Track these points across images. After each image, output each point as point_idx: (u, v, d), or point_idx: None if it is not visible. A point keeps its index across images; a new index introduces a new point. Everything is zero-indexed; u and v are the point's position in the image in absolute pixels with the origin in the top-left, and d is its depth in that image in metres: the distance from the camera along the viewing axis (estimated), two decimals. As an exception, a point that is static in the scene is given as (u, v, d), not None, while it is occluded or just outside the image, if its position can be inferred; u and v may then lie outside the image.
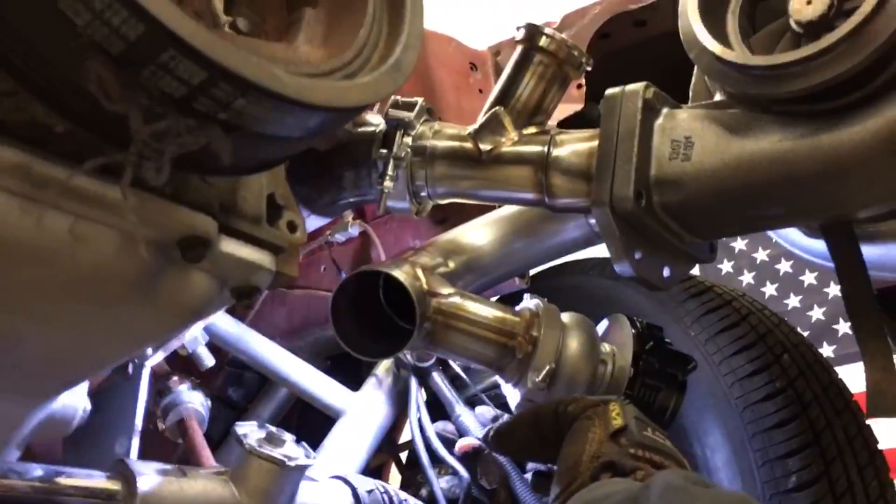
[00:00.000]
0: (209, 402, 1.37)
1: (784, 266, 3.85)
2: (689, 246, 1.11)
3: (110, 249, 0.69)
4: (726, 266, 3.97)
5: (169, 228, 0.71)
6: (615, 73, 1.23)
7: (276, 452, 0.95)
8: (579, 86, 1.77)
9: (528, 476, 1.16)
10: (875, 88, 0.93)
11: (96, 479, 0.84)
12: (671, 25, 1.69)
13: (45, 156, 0.63)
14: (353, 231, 1.68)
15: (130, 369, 0.87)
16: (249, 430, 0.96)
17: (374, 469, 1.73)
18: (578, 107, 1.75)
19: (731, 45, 1.02)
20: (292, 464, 0.94)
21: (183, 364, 1.57)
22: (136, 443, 1.22)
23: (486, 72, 1.88)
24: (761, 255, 3.91)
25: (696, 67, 1.16)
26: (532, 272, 1.87)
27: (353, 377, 1.72)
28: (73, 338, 0.77)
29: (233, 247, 0.77)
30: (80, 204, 0.66)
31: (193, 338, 1.41)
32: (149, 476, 0.85)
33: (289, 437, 0.98)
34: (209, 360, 1.48)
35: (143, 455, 1.59)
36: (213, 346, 1.57)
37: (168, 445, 1.46)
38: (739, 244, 3.95)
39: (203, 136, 0.52)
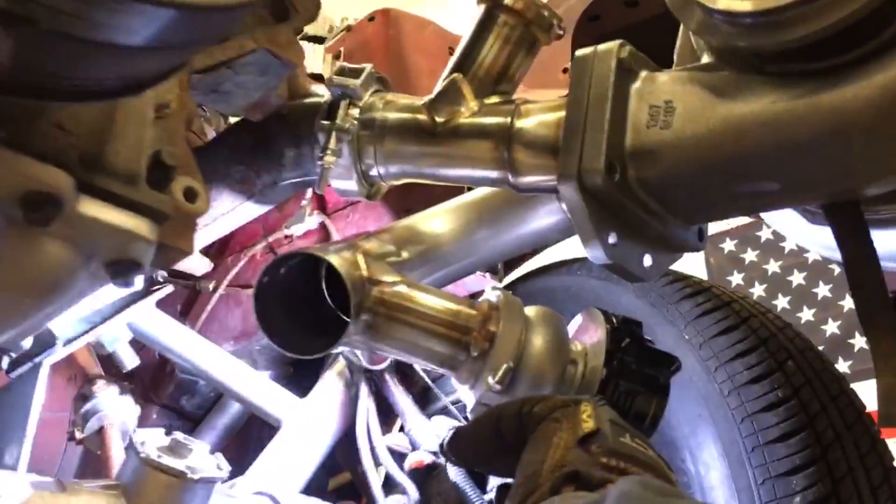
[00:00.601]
0: (138, 410, 1.24)
1: (797, 278, 3.69)
2: (673, 231, 0.97)
3: (-74, 205, 0.55)
4: (736, 278, 3.82)
5: (6, 181, 0.58)
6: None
7: (179, 463, 0.81)
8: (565, 70, 1.64)
9: (489, 497, 1.02)
10: (882, 43, 0.80)
11: (-50, 494, 0.70)
12: (664, 6, 1.55)
13: None
14: (312, 223, 1.55)
15: (5, 364, 0.73)
16: (150, 438, 0.82)
17: (336, 490, 1.58)
18: (564, 92, 1.62)
19: (718, -4, 0.89)
20: (195, 476, 0.80)
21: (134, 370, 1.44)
22: (27, 451, 1.08)
23: (467, 57, 1.75)
24: (773, 266, 3.75)
25: (681, 30, 1.03)
26: (515, 274, 1.74)
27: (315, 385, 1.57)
28: None
29: (97, 209, 0.64)
30: None
31: (113, 335, 1.28)
32: (17, 491, 0.72)
33: (198, 446, 0.84)
34: (132, 361, 1.34)
35: (86, 472, 1.46)
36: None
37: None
38: (750, 255, 3.79)
39: (-30, 29, 0.39)
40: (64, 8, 0.41)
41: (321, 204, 1.62)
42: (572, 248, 1.43)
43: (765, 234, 3.77)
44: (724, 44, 0.88)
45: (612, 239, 0.92)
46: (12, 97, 0.51)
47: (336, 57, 1.57)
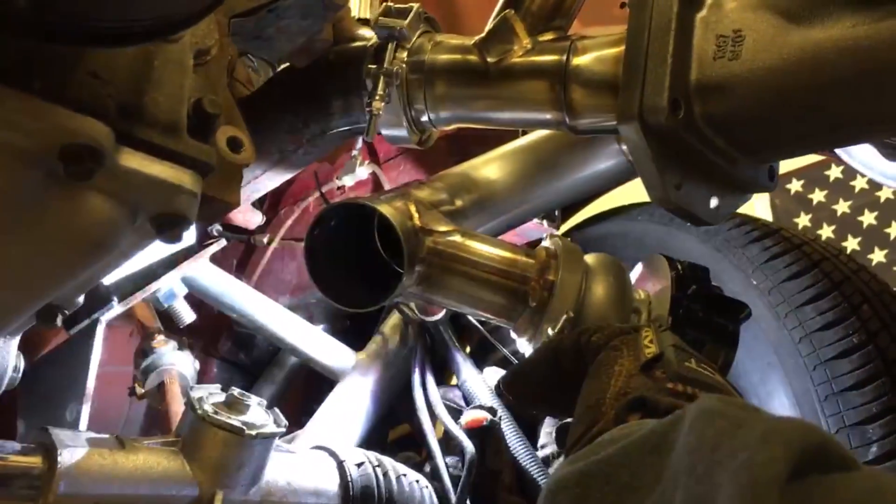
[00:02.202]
0: (197, 364, 1.24)
1: (868, 218, 3.54)
2: (741, 170, 0.91)
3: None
4: (803, 220, 3.68)
5: (43, 134, 0.56)
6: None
7: (236, 419, 0.80)
8: (622, 5, 1.55)
9: (543, 454, 0.99)
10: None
11: (9, 453, 0.71)
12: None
13: None
14: (362, 173, 1.51)
15: (59, 321, 0.73)
16: (206, 394, 0.81)
17: (396, 441, 1.57)
18: (622, 28, 1.54)
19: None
20: (253, 432, 0.79)
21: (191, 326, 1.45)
22: (87, 409, 1.09)
23: (518, -4, 1.68)
24: (842, 206, 3.60)
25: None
26: (572, 222, 1.69)
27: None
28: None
29: (139, 161, 0.61)
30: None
31: (168, 290, 1.28)
32: (75, 448, 0.72)
33: (255, 402, 0.83)
34: (189, 316, 1.34)
35: (147, 430, 1.48)
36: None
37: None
38: (818, 195, 3.65)
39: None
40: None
41: (372, 153, 1.59)
42: (632, 192, 1.38)
43: (833, 174, 3.62)
44: (798, -37, 0.81)
45: (676, 181, 0.87)
46: (43, 42, 0.48)
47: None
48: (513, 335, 0.95)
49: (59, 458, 0.71)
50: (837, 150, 1.18)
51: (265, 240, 1.65)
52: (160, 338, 1.29)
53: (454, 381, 1.39)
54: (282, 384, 1.68)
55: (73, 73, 0.58)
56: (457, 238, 0.92)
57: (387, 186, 1.54)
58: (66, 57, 0.58)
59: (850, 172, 3.63)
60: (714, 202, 0.92)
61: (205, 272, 1.34)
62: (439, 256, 0.91)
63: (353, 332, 1.62)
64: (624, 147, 1.07)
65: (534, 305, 0.90)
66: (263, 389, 1.65)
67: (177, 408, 1.15)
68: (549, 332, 0.88)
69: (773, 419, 0.40)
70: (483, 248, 0.92)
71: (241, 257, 1.73)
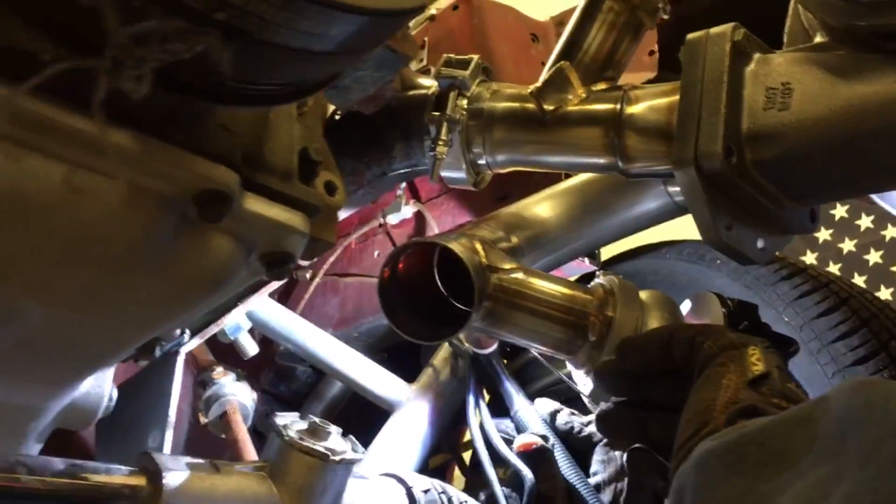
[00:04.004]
0: (255, 396, 1.28)
1: (873, 256, 3.61)
2: (787, 213, 0.97)
3: (114, 204, 0.59)
4: (810, 258, 3.74)
5: (182, 180, 0.61)
6: (687, 37, 1.09)
7: (319, 445, 0.84)
8: (651, 52, 1.63)
9: (595, 481, 1.04)
10: None
11: (117, 475, 0.75)
12: (749, -18, 1.51)
13: (32, 91, 0.53)
14: (407, 211, 1.57)
15: (158, 353, 0.77)
16: (290, 421, 0.86)
17: (435, 469, 1.61)
18: (650, 75, 1.61)
19: (834, -27, 0.88)
20: (337, 458, 0.83)
21: (232, 355, 1.49)
22: (169, 435, 1.14)
23: (549, 43, 1.75)
24: (848, 244, 3.67)
25: (791, 8, 1.02)
26: (603, 257, 1.74)
27: (411, 371, 1.60)
28: (81, 312, 0.67)
29: (259, 205, 0.67)
30: (76, 149, 0.56)
31: (235, 324, 1.33)
32: (176, 471, 0.76)
33: (334, 430, 0.88)
34: (252, 349, 1.39)
35: (192, 452, 1.51)
36: (263, 338, 1.48)
37: (221, 443, 1.37)
38: (823, 234, 3.71)
39: (196, 42, 0.42)
40: (275, 19, 0.44)
41: (415, 192, 1.65)
42: (657, 230, 1.43)
43: (839, 213, 3.69)
44: (841, 23, 0.87)
45: (727, 222, 0.92)
46: (201, 101, 0.54)
47: (421, 46, 1.59)
48: (570, 367, 1.00)
49: (163, 481, 0.75)
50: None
51: (308, 275, 1.70)
52: (219, 369, 1.33)
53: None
54: (321, 414, 1.72)
55: (207, 125, 0.63)
56: (520, 275, 0.97)
57: (432, 224, 1.60)
58: (201, 111, 0.63)
59: (855, 211, 3.70)
60: (761, 243, 0.98)
61: (265, 306, 1.39)
62: (504, 293, 0.96)
63: (391, 365, 1.66)
64: (671, 189, 1.13)
65: (593, 340, 0.95)
66: (305, 420, 1.69)
67: (241, 436, 1.19)
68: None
69: None
70: (544, 285, 0.97)
71: (283, 291, 1.78)
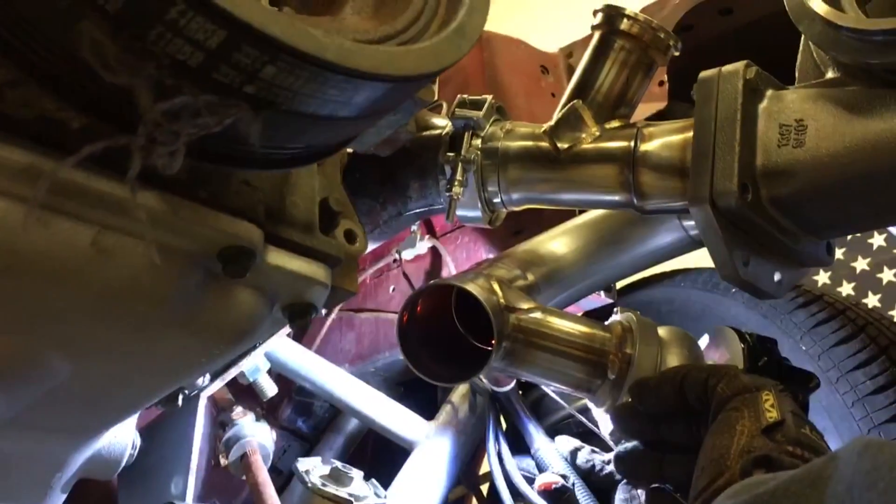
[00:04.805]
0: (275, 435, 1.28)
1: (887, 275, 3.58)
2: (803, 247, 0.97)
3: (141, 264, 0.60)
4: (823, 277, 3.72)
5: (207, 238, 0.62)
6: (700, 69, 1.10)
7: (342, 491, 0.85)
8: (661, 83, 1.64)
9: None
10: None
11: (143, 526, 0.75)
12: (760, 12, 1.53)
13: (60, 157, 0.54)
14: (423, 247, 1.58)
15: (180, 401, 0.78)
16: (312, 467, 0.86)
17: (453, 503, 1.61)
18: (661, 105, 1.62)
19: (843, 10, 0.89)
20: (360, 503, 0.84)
21: (249, 393, 1.50)
22: (192, 481, 1.14)
23: (559, 75, 1.77)
24: (861, 264, 3.65)
25: (801, 44, 1.03)
26: (617, 286, 1.74)
27: (428, 406, 1.61)
28: (108, 366, 0.68)
29: (282, 259, 0.68)
30: (104, 212, 0.57)
31: (254, 366, 1.33)
32: (202, 521, 0.76)
33: (356, 474, 0.88)
34: (272, 390, 1.39)
35: (208, 493, 1.52)
36: (279, 375, 1.49)
37: (235, 482, 1.38)
38: (836, 253, 3.69)
39: (226, 115, 0.43)
40: (303, 90, 0.44)
41: (430, 227, 1.66)
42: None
43: (851, 232, 3.68)
44: (853, 60, 0.88)
45: (744, 258, 0.93)
46: (227, 167, 0.55)
47: (432, 85, 1.60)
48: (590, 405, 1.00)
49: (188, 533, 0.75)
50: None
51: (323, 311, 1.71)
52: (238, 409, 1.34)
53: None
54: (339, 450, 1.72)
55: (230, 182, 0.64)
56: (538, 315, 0.98)
57: (447, 259, 1.60)
58: (223, 169, 0.64)
59: (870, 232, 3.69)
60: (777, 276, 0.98)
61: (281, 345, 1.40)
62: (523, 332, 0.96)
63: (406, 402, 1.65)
64: (685, 224, 1.13)
65: (613, 378, 0.95)
66: (323, 456, 1.69)
67: (262, 478, 1.19)
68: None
69: None
70: (563, 324, 0.98)
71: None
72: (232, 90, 0.43)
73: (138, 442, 0.93)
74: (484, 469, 1.65)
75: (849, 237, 3.71)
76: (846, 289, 3.67)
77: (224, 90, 0.43)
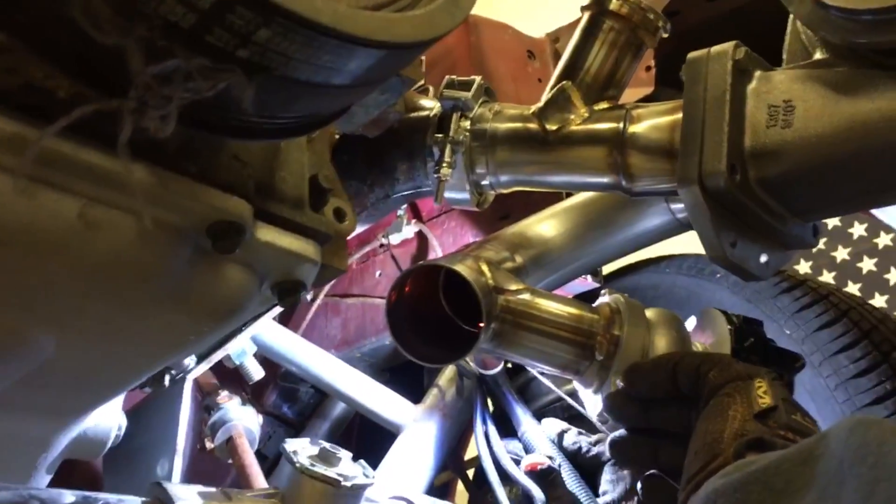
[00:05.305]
0: (261, 419, 1.28)
1: (867, 264, 3.62)
2: (790, 228, 0.97)
3: (129, 238, 0.59)
4: (804, 266, 3.75)
5: (196, 212, 0.61)
6: (687, 55, 1.10)
7: (331, 471, 0.84)
8: (648, 68, 1.64)
9: (604, 500, 1.04)
10: None
11: (129, 506, 0.74)
12: (745, -2, 1.51)
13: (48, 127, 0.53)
14: (409, 231, 1.57)
15: (167, 382, 0.77)
16: (300, 447, 0.86)
17: (439, 488, 1.61)
18: (647, 90, 1.62)
19: (833, -10, 0.89)
20: (349, 483, 0.83)
21: (235, 378, 1.49)
22: (178, 463, 1.13)
23: (545, 60, 1.76)
24: (842, 253, 3.69)
25: (789, 25, 1.03)
26: (603, 272, 1.75)
27: (414, 390, 1.60)
28: (94, 343, 0.67)
29: (271, 234, 0.67)
30: (91, 184, 0.57)
31: (240, 349, 1.32)
32: (188, 501, 0.75)
33: (345, 455, 0.88)
34: (258, 373, 1.38)
35: (194, 477, 1.51)
36: (264, 360, 1.48)
37: (221, 466, 1.37)
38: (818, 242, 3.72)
39: (219, 79, 0.42)
40: (297, 55, 0.44)
41: (416, 212, 1.65)
42: (657, 245, 1.44)
43: (832, 222, 3.70)
44: (841, 40, 0.88)
45: (731, 239, 0.93)
46: (218, 136, 0.54)
47: (420, 66, 1.59)
48: (578, 387, 1.00)
49: (175, 512, 0.74)
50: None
51: (309, 296, 1.70)
52: (224, 394, 1.33)
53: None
54: (325, 435, 1.72)
55: (220, 157, 0.63)
56: (527, 296, 0.97)
57: (434, 243, 1.60)
58: (213, 143, 0.64)
59: (848, 220, 3.72)
60: (764, 258, 0.98)
61: (268, 329, 1.39)
62: (511, 314, 0.96)
63: (392, 386, 1.65)
64: (673, 207, 1.13)
65: (601, 359, 0.95)
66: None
67: (248, 461, 1.18)
68: (619, 383, 0.92)
69: None
70: (551, 305, 0.97)
71: (285, 313, 1.78)
72: (225, 54, 0.42)
73: (124, 423, 0.92)
74: (470, 454, 1.66)
75: (830, 227, 3.75)
76: (827, 278, 3.70)
77: (217, 54, 0.42)
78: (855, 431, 0.50)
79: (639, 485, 0.83)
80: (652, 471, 0.81)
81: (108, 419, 0.90)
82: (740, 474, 0.55)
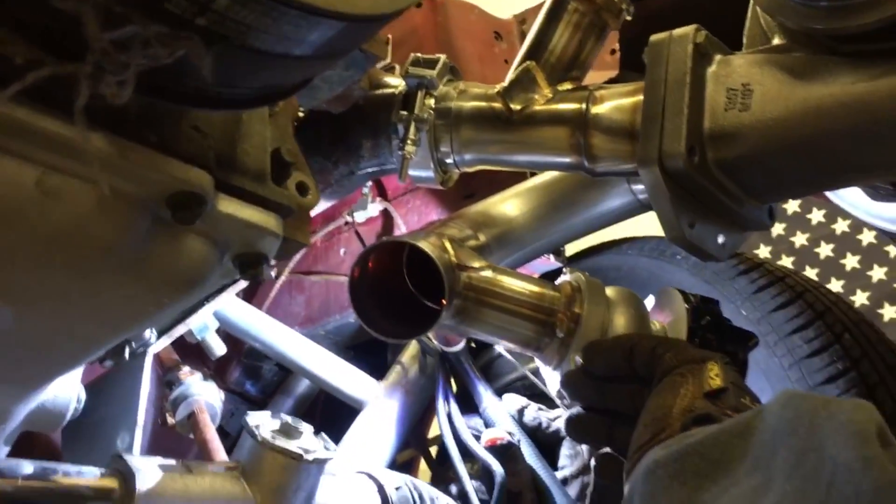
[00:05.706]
0: (223, 395, 1.28)
1: (825, 250, 3.70)
2: (747, 210, 1.00)
3: (87, 207, 0.59)
4: (763, 251, 3.82)
5: (156, 183, 0.61)
6: (650, 38, 1.12)
7: (292, 445, 0.85)
8: (613, 51, 1.65)
9: (562, 475, 1.06)
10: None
11: (89, 477, 0.74)
12: (709, -18, 1.53)
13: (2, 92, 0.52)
14: (374, 209, 1.58)
15: (127, 355, 0.77)
16: (262, 421, 0.86)
17: (402, 465, 1.63)
18: (612, 74, 1.64)
19: (791, -23, 0.91)
20: (310, 457, 0.84)
21: (197, 355, 1.49)
22: (139, 437, 1.13)
23: (512, 41, 1.77)
24: (800, 238, 3.76)
25: (749, 11, 1.05)
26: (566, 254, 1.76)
27: (377, 368, 1.61)
28: (52, 314, 0.67)
29: (232, 206, 0.67)
30: (49, 152, 0.56)
31: (202, 324, 1.32)
32: (149, 473, 0.76)
33: (306, 428, 0.89)
34: (220, 349, 1.38)
35: (155, 452, 1.50)
36: (228, 337, 1.47)
37: (183, 442, 1.37)
38: (777, 228, 3.80)
39: (177, 47, 0.42)
40: (256, 24, 0.44)
41: (381, 190, 1.65)
42: (619, 227, 1.46)
43: (791, 207, 3.77)
44: (799, 26, 0.90)
45: (690, 220, 0.95)
46: (177, 105, 0.54)
47: (385, 43, 1.59)
48: (538, 363, 1.02)
49: (136, 483, 0.74)
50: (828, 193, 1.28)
51: (273, 273, 1.69)
52: (185, 369, 1.32)
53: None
54: (290, 412, 1.72)
55: (180, 127, 0.63)
56: (489, 273, 0.98)
57: (399, 222, 1.60)
58: (173, 113, 0.63)
59: (807, 206, 3.80)
60: (721, 239, 1.00)
61: (231, 305, 1.38)
62: (474, 290, 0.97)
63: (357, 363, 1.66)
64: (634, 187, 1.15)
65: (561, 336, 0.97)
66: (272, 417, 1.68)
67: (210, 436, 1.18)
68: (577, 360, 0.94)
69: (845, 401, 0.51)
70: (513, 283, 0.99)
71: (249, 290, 1.77)
72: (183, 21, 0.42)
73: (83, 396, 0.91)
74: (433, 433, 1.67)
75: (789, 213, 3.82)
76: (786, 262, 3.77)
77: (175, 21, 0.42)
78: (788, 405, 0.52)
79: (592, 462, 0.85)
80: (605, 449, 0.83)
81: (66, 391, 0.89)
82: (680, 445, 0.57)
